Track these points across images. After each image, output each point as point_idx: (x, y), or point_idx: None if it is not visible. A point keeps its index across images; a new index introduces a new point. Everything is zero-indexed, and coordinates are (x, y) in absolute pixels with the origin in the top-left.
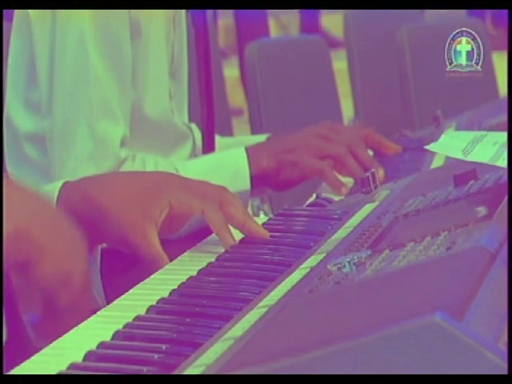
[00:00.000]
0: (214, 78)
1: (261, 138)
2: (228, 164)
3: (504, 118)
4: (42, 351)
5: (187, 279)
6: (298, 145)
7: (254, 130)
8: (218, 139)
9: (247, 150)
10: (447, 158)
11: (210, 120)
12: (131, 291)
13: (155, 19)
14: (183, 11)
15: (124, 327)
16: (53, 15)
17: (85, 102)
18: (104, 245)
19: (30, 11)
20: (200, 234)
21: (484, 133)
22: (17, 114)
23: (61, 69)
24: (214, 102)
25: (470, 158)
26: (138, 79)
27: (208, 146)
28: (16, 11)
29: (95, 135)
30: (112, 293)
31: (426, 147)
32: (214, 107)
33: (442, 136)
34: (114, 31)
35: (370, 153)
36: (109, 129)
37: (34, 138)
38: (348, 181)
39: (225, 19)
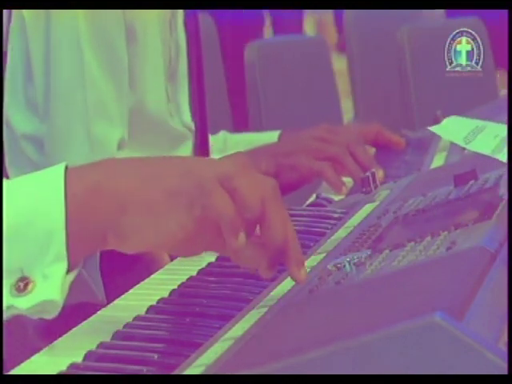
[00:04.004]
0: (215, 79)
1: (271, 134)
2: None
3: (504, 117)
4: (42, 351)
5: (187, 279)
6: (296, 148)
7: (254, 130)
8: (225, 136)
9: (246, 154)
10: (447, 158)
11: (203, 121)
12: (131, 291)
13: (150, 22)
14: (180, 14)
15: (124, 327)
16: (47, 17)
17: (80, 103)
18: None
19: (25, 13)
20: None
21: (485, 123)
22: (15, 115)
23: (56, 71)
24: (206, 103)
25: (471, 147)
26: (136, 82)
27: (202, 146)
28: (13, 12)
29: (91, 137)
30: (112, 293)
31: (430, 128)
32: (206, 108)
33: (444, 120)
34: (109, 33)
35: (372, 149)
36: (105, 131)
37: (32, 139)
38: (348, 181)
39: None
